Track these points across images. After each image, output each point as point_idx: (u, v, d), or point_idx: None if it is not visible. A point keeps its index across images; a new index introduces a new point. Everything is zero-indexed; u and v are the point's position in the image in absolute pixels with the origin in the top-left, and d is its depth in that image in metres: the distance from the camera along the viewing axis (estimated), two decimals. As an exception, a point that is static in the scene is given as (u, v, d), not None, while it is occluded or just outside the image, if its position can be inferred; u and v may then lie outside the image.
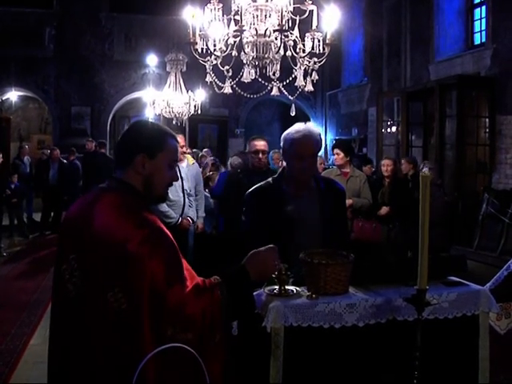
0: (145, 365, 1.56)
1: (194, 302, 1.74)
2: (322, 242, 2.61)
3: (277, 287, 2.30)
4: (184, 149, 5.69)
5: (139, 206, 1.78)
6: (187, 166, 5.57)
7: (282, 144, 2.89)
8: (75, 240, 1.75)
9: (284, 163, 3.03)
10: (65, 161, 11.90)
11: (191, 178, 5.56)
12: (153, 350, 1.60)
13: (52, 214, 11.53)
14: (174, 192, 5.01)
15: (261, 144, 4.67)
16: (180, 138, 5.58)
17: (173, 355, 1.64)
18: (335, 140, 13.99)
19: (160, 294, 1.67)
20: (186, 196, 5.25)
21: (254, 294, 2.36)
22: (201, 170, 6.81)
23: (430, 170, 7.17)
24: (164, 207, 4.85)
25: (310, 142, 2.77)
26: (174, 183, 2.00)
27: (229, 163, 7.34)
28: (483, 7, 10.38)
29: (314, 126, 3.03)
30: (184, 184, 5.22)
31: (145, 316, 1.65)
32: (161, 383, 1.68)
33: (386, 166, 6.97)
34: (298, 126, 2.83)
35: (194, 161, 6.10)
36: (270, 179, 2.98)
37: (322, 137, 16.25)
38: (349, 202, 5.75)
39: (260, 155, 4.63)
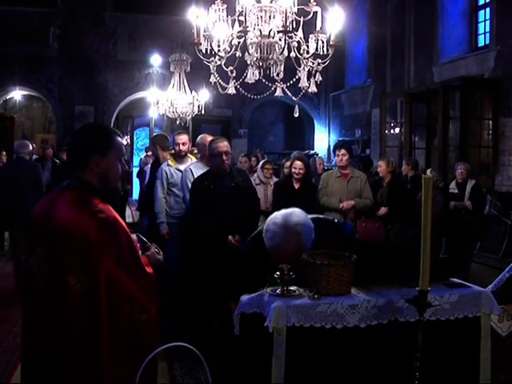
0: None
1: (152, 284, 2.03)
2: None
3: (279, 287, 2.31)
4: (186, 147, 5.47)
5: (94, 199, 1.98)
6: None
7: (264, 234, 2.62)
8: (41, 234, 1.98)
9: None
10: (57, 161, 11.72)
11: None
12: (108, 326, 1.84)
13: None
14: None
15: (224, 145, 4.48)
16: (183, 136, 5.41)
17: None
18: (338, 141, 13.97)
19: (119, 276, 1.89)
20: None
21: (257, 294, 2.38)
22: None
23: (466, 172, 7.15)
24: None
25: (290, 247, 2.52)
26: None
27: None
28: (487, 9, 10.36)
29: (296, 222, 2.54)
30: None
31: (102, 295, 1.85)
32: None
33: (381, 167, 7.07)
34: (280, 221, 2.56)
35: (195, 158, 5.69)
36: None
37: (326, 138, 16.24)
38: (351, 203, 5.76)
39: (224, 157, 4.43)
